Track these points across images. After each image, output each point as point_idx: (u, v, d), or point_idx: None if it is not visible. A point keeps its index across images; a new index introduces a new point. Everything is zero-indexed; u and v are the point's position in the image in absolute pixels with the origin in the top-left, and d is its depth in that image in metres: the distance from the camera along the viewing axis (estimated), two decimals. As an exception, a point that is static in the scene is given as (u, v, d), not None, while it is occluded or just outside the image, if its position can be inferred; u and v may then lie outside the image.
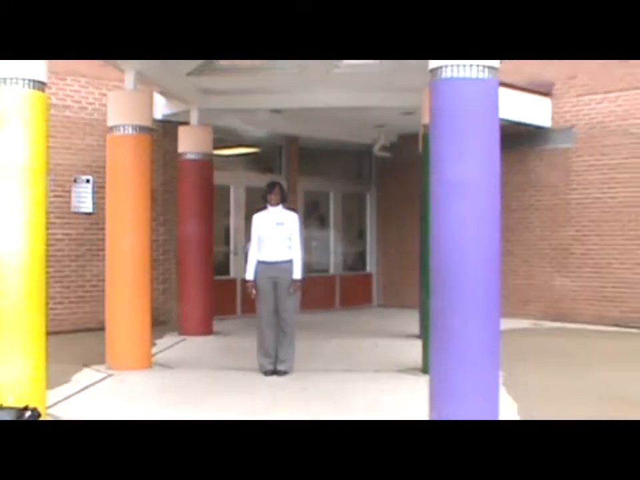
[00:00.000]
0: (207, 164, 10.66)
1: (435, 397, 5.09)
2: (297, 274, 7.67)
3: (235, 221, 12.77)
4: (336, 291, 14.12)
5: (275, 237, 7.69)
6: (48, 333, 5.73)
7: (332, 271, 14.29)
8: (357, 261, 14.89)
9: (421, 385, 6.60)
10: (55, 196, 10.51)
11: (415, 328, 10.14)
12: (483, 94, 4.97)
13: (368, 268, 14.81)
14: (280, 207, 7.84)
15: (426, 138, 7.13)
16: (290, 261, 7.72)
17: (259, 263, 7.73)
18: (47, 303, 5.69)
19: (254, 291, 7.73)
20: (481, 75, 4.91)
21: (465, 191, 4.88)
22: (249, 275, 7.78)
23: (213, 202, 10.91)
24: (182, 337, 10.35)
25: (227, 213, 12.73)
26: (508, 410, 5.82)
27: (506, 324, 5.02)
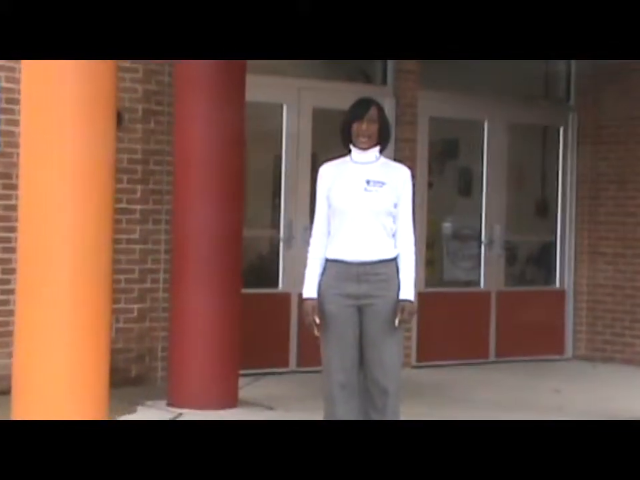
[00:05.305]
0: (231, 64, 9.15)
1: None
2: (408, 290, 6.46)
3: (290, 176, 11.08)
4: (490, 323, 12.35)
5: (364, 213, 6.50)
6: None
7: (483, 283, 12.50)
8: (535, 265, 13.12)
9: None
10: None
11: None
12: None
13: (558, 279, 12.98)
14: (376, 152, 6.54)
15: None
16: (393, 262, 6.46)
17: (329, 263, 6.47)
18: None
19: (317, 320, 6.41)
20: None
21: None
22: (308, 290, 6.55)
23: (244, 139, 9.30)
24: (175, 411, 8.82)
25: (276, 161, 11.03)
26: None
27: None
